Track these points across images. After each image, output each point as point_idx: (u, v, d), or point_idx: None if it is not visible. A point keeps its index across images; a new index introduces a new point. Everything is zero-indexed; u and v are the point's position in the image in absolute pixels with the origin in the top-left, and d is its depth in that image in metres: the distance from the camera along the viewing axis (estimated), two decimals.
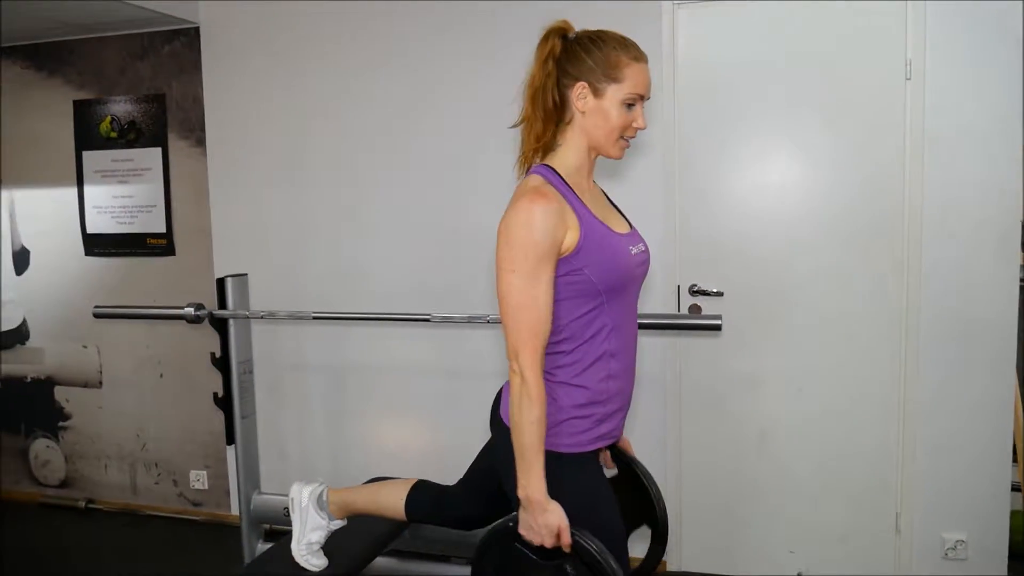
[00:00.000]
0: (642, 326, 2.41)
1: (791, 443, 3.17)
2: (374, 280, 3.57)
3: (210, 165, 3.79)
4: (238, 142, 3.73)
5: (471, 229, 3.37)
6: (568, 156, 1.81)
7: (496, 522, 1.81)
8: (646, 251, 1.91)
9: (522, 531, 1.69)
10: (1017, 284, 2.92)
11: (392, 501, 2.25)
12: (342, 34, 3.53)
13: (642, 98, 1.78)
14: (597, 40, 1.77)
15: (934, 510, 3.04)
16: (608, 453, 2.11)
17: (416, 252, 3.51)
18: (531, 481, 1.66)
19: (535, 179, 1.77)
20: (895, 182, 2.97)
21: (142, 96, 3.88)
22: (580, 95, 1.76)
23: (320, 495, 2.36)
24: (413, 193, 3.50)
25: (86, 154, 4.00)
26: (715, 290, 3.17)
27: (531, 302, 1.65)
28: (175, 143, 3.86)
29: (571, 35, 1.81)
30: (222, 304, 3.03)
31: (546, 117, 1.79)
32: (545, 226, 1.65)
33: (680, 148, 3.16)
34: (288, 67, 3.62)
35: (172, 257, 3.93)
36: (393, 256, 3.54)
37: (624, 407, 1.90)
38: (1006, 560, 2.99)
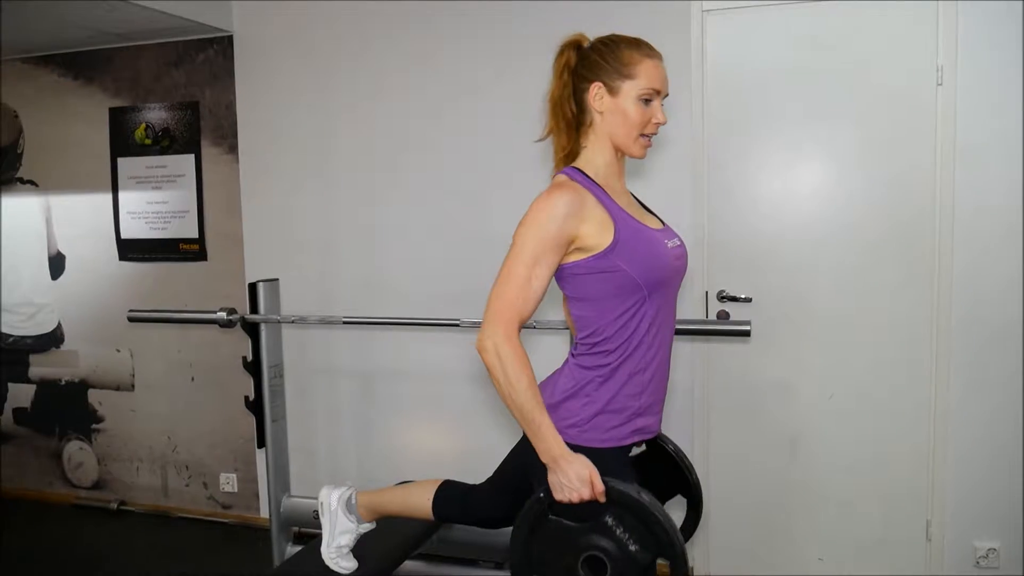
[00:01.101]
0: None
1: (821, 449, 3.15)
2: (404, 285, 3.60)
3: (242, 171, 3.84)
4: (269, 149, 3.78)
5: (501, 234, 3.33)
6: (595, 158, 1.83)
7: (524, 506, 1.81)
8: (682, 245, 1.91)
9: (556, 494, 1.69)
10: None
11: (420, 501, 2.26)
12: (372, 39, 3.56)
13: (658, 93, 1.79)
14: (609, 43, 1.81)
15: (966, 518, 3.01)
16: None
17: (446, 257, 3.53)
18: (547, 440, 1.68)
19: (562, 177, 1.81)
20: (925, 187, 2.95)
21: (176, 103, 3.94)
22: (597, 95, 1.80)
23: (349, 498, 2.38)
24: (443, 197, 3.52)
25: (121, 160, 4.07)
26: (743, 296, 3.16)
27: (524, 281, 1.68)
28: (208, 150, 3.91)
29: (585, 45, 1.85)
30: (254, 308, 3.05)
31: (567, 127, 1.84)
32: (558, 212, 1.68)
33: (708, 153, 3.16)
34: (318, 74, 3.66)
35: (204, 262, 3.98)
36: (423, 261, 3.57)
37: (660, 401, 1.90)
38: None
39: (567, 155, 1.86)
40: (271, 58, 3.73)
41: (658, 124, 1.80)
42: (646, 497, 1.67)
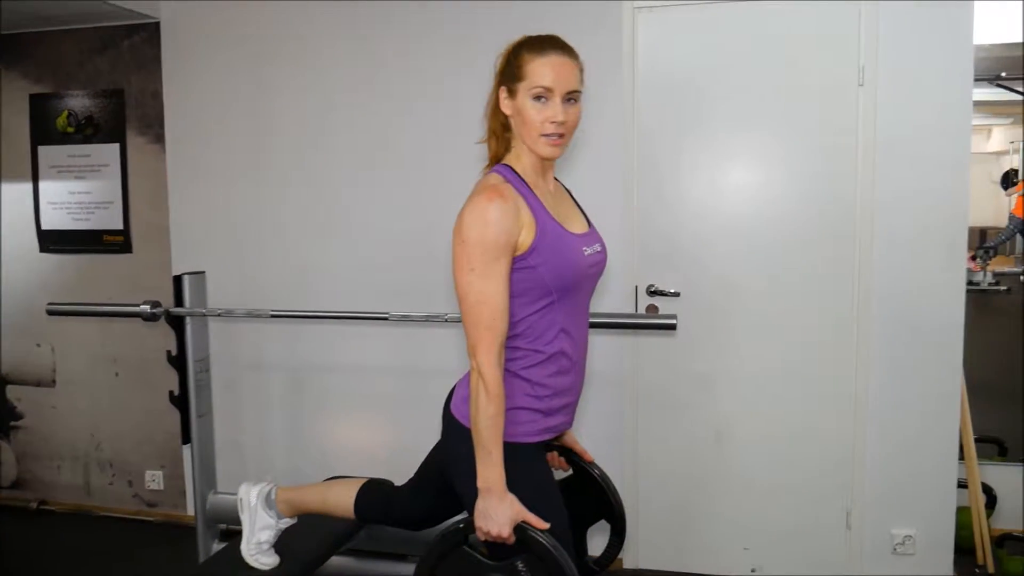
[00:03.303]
0: (599, 325, 2.45)
1: (746, 442, 3.22)
2: (334, 279, 3.56)
3: (169, 162, 3.76)
4: (198, 139, 3.70)
5: (431, 227, 3.38)
6: (521, 158, 1.84)
7: (444, 525, 1.82)
8: (602, 252, 1.93)
9: (477, 522, 1.70)
10: (964, 287, 3.00)
11: (342, 500, 2.25)
12: (305, 31, 3.52)
13: (550, 91, 1.73)
14: (514, 45, 1.82)
15: (884, 506, 3.10)
16: (558, 456, 2.13)
17: (376, 250, 3.51)
18: (491, 473, 1.68)
19: (493, 177, 1.80)
20: (848, 186, 3.03)
21: (100, 91, 3.83)
22: (503, 99, 1.82)
23: (268, 494, 2.35)
24: (374, 191, 3.50)
25: (42, 149, 3.95)
26: (672, 291, 3.21)
27: (488, 299, 1.68)
28: (133, 139, 3.82)
29: None
30: (179, 302, 2.99)
31: (499, 132, 1.86)
32: (500, 224, 1.67)
33: (639, 149, 3.19)
34: (250, 63, 3.60)
35: (129, 254, 3.88)
36: (353, 254, 3.54)
37: (573, 403, 1.93)
38: (952, 555, 3.06)
39: (495, 158, 1.89)
40: (199, 45, 3.65)
41: (556, 123, 1.74)
42: (562, 556, 1.69)
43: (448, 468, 1.90)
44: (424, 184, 3.42)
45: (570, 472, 2.16)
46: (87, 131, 3.87)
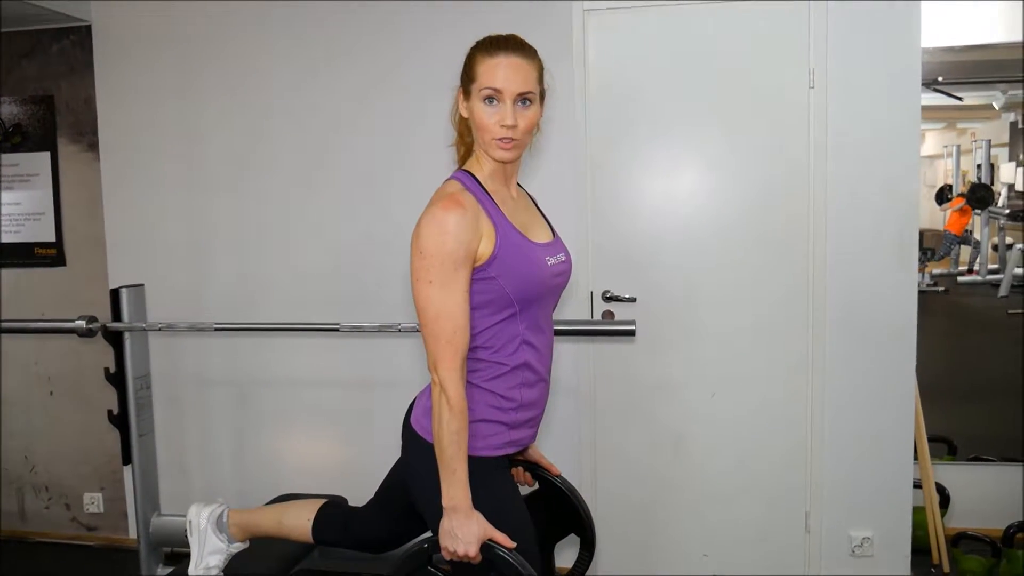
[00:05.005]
0: (556, 332, 2.39)
1: (705, 446, 3.20)
2: (281, 290, 3.45)
3: (104, 171, 3.61)
4: (134, 147, 3.56)
5: (383, 235, 3.30)
6: (481, 162, 1.79)
7: (408, 545, 1.76)
8: (567, 261, 1.88)
9: (443, 541, 1.64)
10: (916, 288, 3.02)
11: (298, 523, 2.16)
12: (241, 36, 3.41)
13: (499, 92, 1.68)
14: (472, 47, 1.76)
15: (841, 509, 3.11)
16: (523, 471, 2.08)
17: (324, 259, 3.41)
18: (456, 491, 1.63)
19: (452, 185, 1.75)
20: (800, 189, 3.04)
21: (28, 97, 3.67)
22: (461, 101, 1.78)
23: (220, 516, 2.25)
24: (321, 198, 3.40)
25: None
26: (628, 296, 3.18)
27: (448, 312, 1.62)
28: (65, 147, 3.66)
29: None
30: (116, 316, 2.88)
31: (462, 133, 1.83)
32: (459, 235, 1.62)
33: (591, 152, 3.16)
34: (186, 69, 3.47)
35: (63, 268, 3.72)
36: (300, 264, 3.43)
37: (537, 417, 1.88)
38: (909, 555, 3.08)
39: (462, 161, 1.85)
40: (134, 50, 3.51)
41: (506, 126, 1.68)
42: (530, 574, 1.64)
43: (410, 485, 1.83)
44: (372, 189, 3.33)
45: (536, 487, 2.10)
46: (15, 139, 3.70)
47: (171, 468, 3.53)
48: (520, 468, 2.07)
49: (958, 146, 3.88)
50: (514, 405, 1.77)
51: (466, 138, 1.83)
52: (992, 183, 3.81)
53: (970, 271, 3.92)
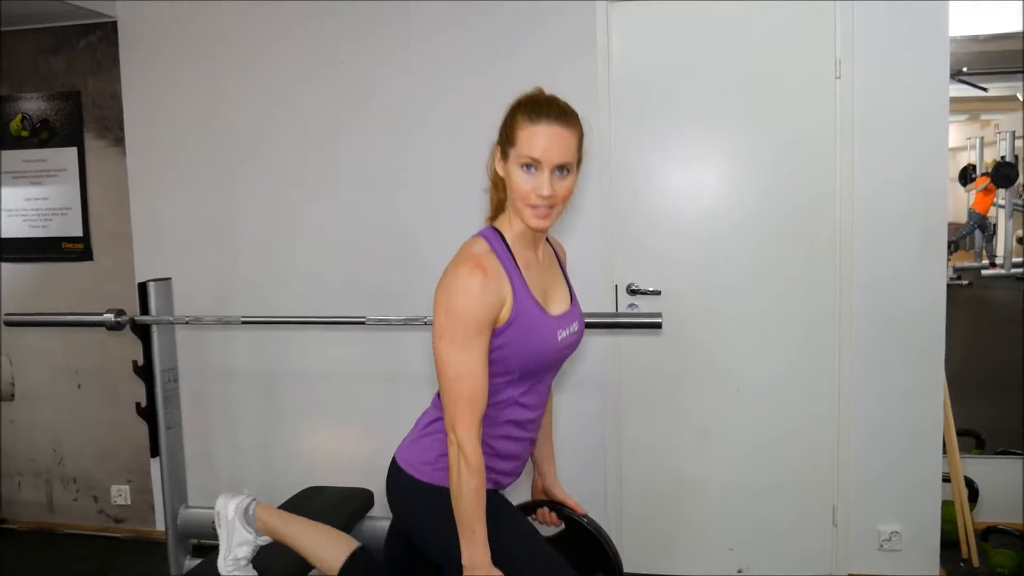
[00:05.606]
0: (585, 325, 2.38)
1: (730, 441, 3.18)
2: (307, 283, 3.46)
3: (130, 165, 3.63)
4: (160, 141, 3.58)
5: (408, 229, 3.30)
6: (512, 222, 1.76)
7: None
8: (578, 332, 1.87)
9: None
10: (944, 280, 2.98)
11: (328, 556, 2.13)
12: (268, 29, 3.41)
13: (538, 162, 1.64)
14: (515, 103, 1.72)
15: (869, 503, 3.08)
16: (548, 511, 2.07)
17: (350, 253, 3.41)
18: (475, 550, 1.64)
19: (480, 245, 1.73)
20: (827, 181, 3.01)
21: (56, 93, 3.70)
22: (498, 159, 1.74)
23: (247, 508, 2.26)
24: (347, 192, 3.40)
25: None
26: (652, 288, 3.16)
27: (468, 373, 1.63)
28: (92, 143, 3.68)
29: None
30: (144, 309, 2.90)
31: (496, 183, 1.78)
32: (485, 299, 1.62)
33: (616, 147, 3.14)
34: (212, 62, 3.48)
35: (90, 262, 3.75)
36: (326, 258, 3.44)
37: (519, 468, 1.90)
38: (938, 549, 3.05)
39: (496, 208, 1.81)
40: (159, 45, 3.53)
41: (542, 196, 1.65)
42: None
43: (413, 531, 1.84)
44: (400, 184, 3.33)
45: (562, 527, 2.09)
46: (42, 135, 3.73)
47: (198, 461, 3.55)
48: (546, 508, 2.06)
49: (981, 138, 3.83)
50: (490, 452, 1.77)
51: (500, 191, 1.77)
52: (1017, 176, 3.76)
53: (992, 264, 3.87)
